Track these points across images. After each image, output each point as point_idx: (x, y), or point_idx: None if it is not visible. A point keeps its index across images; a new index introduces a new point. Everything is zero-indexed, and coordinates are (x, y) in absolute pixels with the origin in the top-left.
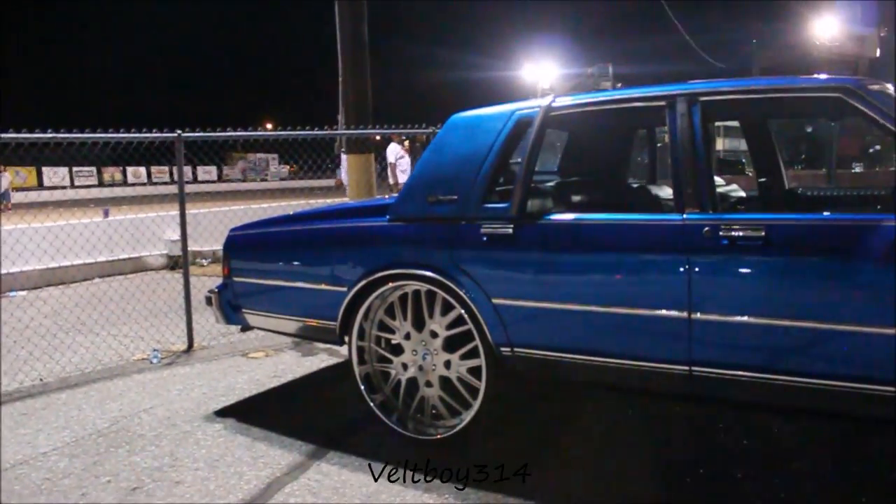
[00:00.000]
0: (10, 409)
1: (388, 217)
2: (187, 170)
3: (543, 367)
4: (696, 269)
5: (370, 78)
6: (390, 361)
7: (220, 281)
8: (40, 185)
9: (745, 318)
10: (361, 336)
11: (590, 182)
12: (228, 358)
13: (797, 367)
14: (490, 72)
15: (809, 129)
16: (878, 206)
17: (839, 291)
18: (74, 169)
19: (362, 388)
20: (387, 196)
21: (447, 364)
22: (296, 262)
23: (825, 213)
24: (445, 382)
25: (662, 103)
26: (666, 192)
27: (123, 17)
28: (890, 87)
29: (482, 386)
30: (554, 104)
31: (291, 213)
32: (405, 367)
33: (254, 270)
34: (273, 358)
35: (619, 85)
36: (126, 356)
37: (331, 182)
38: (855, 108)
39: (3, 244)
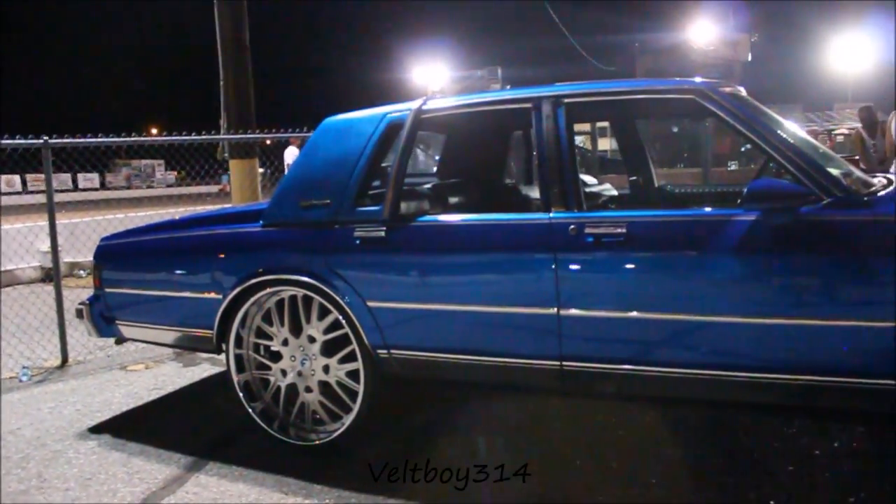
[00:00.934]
0: None
1: (261, 222)
2: (67, 177)
3: (421, 368)
4: (563, 267)
5: (252, 79)
6: (269, 368)
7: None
8: None
9: (611, 313)
10: (239, 344)
11: (465, 183)
12: (106, 372)
13: (665, 359)
14: (385, 74)
15: (677, 129)
16: (738, 202)
17: (697, 284)
18: None
19: (241, 396)
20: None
21: (326, 369)
22: (169, 271)
23: (682, 210)
24: (325, 387)
25: (528, 105)
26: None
27: None
28: (741, 90)
29: (361, 389)
30: (424, 107)
31: (164, 220)
32: (284, 373)
33: (126, 280)
34: (153, 370)
35: (508, 87)
36: None
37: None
38: (706, 109)
39: None
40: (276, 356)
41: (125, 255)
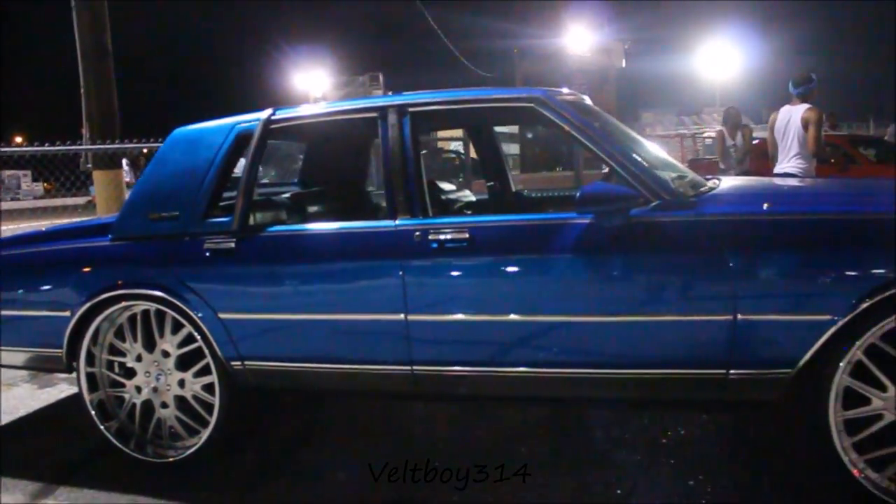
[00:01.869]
0: None
1: (109, 236)
2: None
3: (277, 378)
4: (410, 273)
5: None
6: (123, 385)
7: None
8: None
9: (458, 317)
10: (91, 362)
11: (323, 192)
12: None
13: (514, 359)
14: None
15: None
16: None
17: (538, 286)
18: None
19: (94, 415)
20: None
21: (181, 383)
22: (14, 288)
23: (521, 215)
24: (181, 402)
25: (375, 115)
26: None
27: None
28: (585, 98)
29: (217, 402)
30: (274, 117)
31: (9, 236)
32: (139, 389)
33: None
34: (5, 393)
35: (390, 92)
36: None
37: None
38: (544, 117)
39: None
40: (131, 373)
41: None
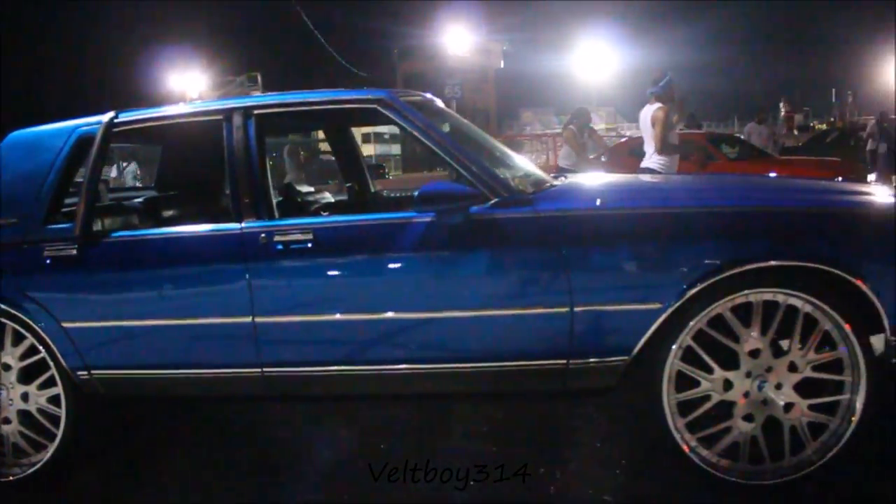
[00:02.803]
0: None
1: None
2: None
3: (126, 386)
4: (256, 276)
5: None
6: None
7: None
8: None
9: (304, 318)
10: None
11: (178, 195)
12: None
13: (364, 357)
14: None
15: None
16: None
17: (383, 284)
18: None
19: None
20: None
21: (25, 397)
22: None
23: (364, 215)
24: (26, 416)
25: (220, 117)
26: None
27: None
28: (434, 99)
29: (63, 415)
30: (116, 120)
31: None
32: None
33: None
34: None
35: (268, 92)
36: None
37: None
38: (388, 118)
39: None
40: None
41: None
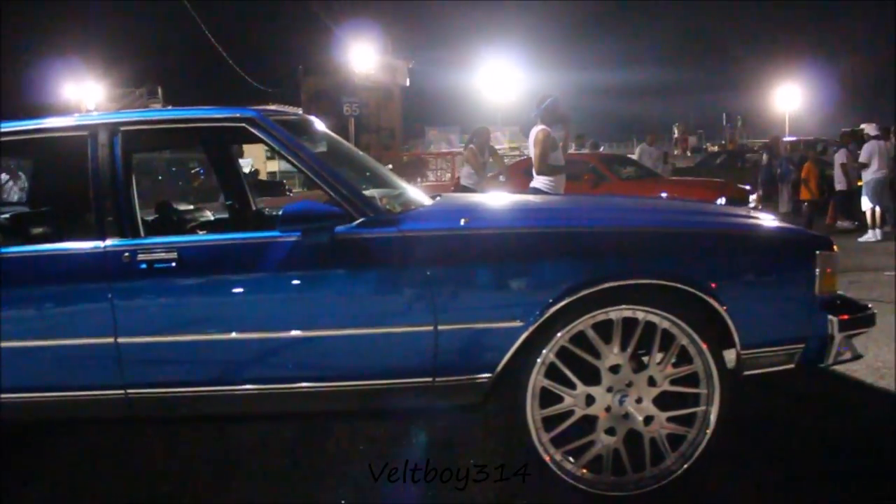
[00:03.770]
0: None
1: None
2: None
3: None
4: (119, 295)
5: None
6: None
7: None
8: None
9: (169, 338)
10: None
11: (45, 212)
12: None
13: (231, 377)
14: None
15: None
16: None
17: (248, 304)
18: None
19: None
20: None
21: None
22: None
23: (229, 234)
24: None
25: (86, 133)
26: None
27: None
28: (306, 116)
29: None
30: None
31: None
32: None
33: None
34: None
35: (170, 105)
36: None
37: None
38: (257, 137)
39: None
40: None
41: None
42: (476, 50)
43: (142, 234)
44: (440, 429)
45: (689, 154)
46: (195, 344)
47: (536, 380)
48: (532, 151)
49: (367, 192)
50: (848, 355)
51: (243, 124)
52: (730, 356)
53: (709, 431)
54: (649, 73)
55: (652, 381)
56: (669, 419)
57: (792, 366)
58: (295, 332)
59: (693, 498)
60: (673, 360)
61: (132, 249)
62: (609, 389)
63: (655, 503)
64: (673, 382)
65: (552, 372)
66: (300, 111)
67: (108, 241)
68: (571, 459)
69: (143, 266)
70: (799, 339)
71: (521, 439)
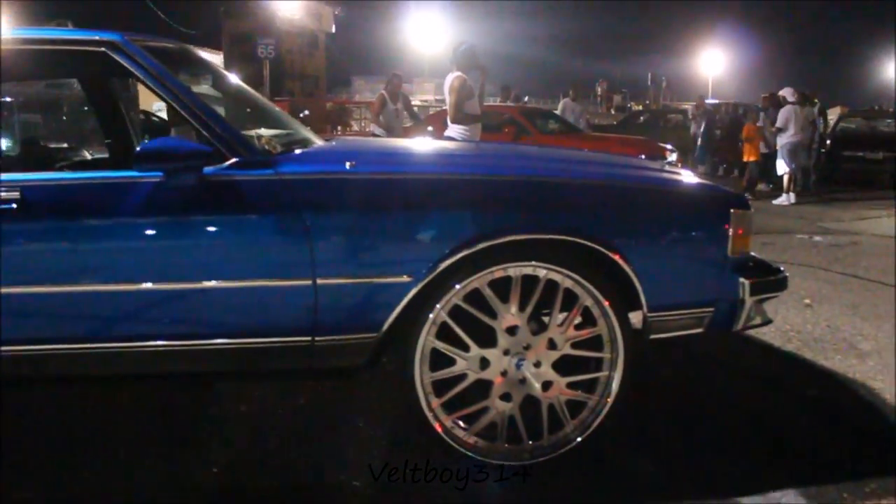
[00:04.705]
0: None
1: None
2: None
3: None
4: None
5: None
6: None
7: None
8: None
9: (11, 289)
10: None
11: None
12: None
13: (87, 334)
14: None
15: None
16: None
17: (104, 251)
18: None
19: None
20: None
21: None
22: None
23: (81, 172)
24: None
25: None
26: None
27: None
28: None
29: None
30: None
31: None
32: None
33: None
34: None
35: None
36: None
37: None
38: (120, 64)
39: None
40: None
41: None
42: None
43: None
44: (331, 389)
45: (612, 112)
46: (42, 296)
47: (426, 341)
48: (447, 99)
49: (253, 132)
50: (758, 320)
51: (104, 49)
52: (636, 319)
53: (611, 398)
54: (578, 26)
55: (552, 344)
56: (570, 385)
57: (701, 330)
58: (156, 285)
59: (591, 467)
60: (576, 322)
61: None
62: (505, 352)
63: (553, 473)
64: (575, 346)
65: (445, 333)
66: (220, 54)
67: None
68: (463, 426)
69: None
70: (709, 302)
71: (410, 404)
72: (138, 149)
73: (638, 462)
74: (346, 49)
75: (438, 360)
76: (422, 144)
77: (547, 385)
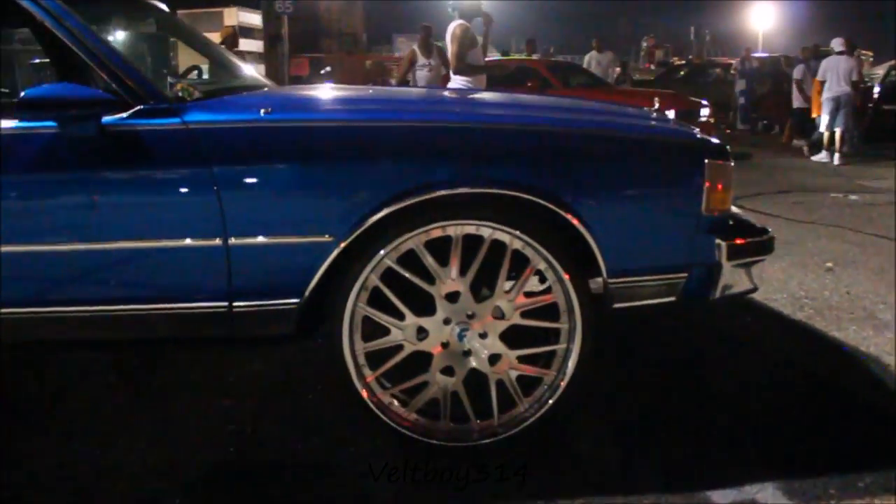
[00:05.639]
0: None
1: None
2: None
3: None
4: None
5: None
6: None
7: None
8: None
9: None
10: None
11: None
12: None
13: None
14: None
15: None
16: None
17: None
18: None
19: None
20: None
21: None
22: None
23: None
24: None
25: None
26: None
27: None
28: None
29: None
30: None
31: None
32: None
33: None
34: None
35: None
36: None
37: None
38: (20, 8)
39: None
40: None
41: None
42: None
43: None
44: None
45: (652, 68)
46: None
47: (356, 307)
48: (448, 49)
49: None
50: (740, 288)
51: None
52: (595, 286)
53: (568, 373)
54: None
55: (500, 313)
56: (521, 359)
57: (673, 298)
58: (50, 245)
59: (548, 448)
60: (526, 289)
61: None
62: (446, 321)
63: (504, 455)
64: (526, 315)
65: (377, 299)
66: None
67: None
68: (400, 403)
69: None
70: (680, 266)
71: (340, 377)
72: (21, 94)
73: (600, 447)
74: (386, 7)
75: (376, 331)
76: (356, 91)
77: (495, 358)
